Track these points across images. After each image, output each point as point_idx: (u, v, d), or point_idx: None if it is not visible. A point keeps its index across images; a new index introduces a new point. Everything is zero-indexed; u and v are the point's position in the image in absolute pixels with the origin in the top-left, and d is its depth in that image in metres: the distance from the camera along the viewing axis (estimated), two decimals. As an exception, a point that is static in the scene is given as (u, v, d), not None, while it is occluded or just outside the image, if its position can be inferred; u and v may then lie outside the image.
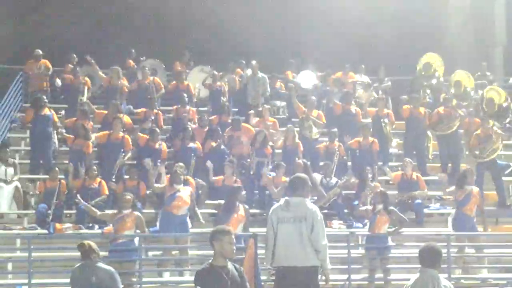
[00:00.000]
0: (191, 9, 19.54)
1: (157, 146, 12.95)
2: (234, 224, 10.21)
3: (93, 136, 13.21)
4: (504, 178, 13.71)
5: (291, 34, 19.70)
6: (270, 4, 19.75)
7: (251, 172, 12.79)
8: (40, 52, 16.01)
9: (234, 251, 5.98)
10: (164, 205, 11.12)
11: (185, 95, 14.63)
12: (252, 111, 14.93)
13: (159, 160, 12.34)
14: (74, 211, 12.24)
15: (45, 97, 14.04)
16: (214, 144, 13.09)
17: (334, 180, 12.71)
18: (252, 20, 19.02)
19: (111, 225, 10.91)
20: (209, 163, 12.51)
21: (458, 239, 11.18)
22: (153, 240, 11.22)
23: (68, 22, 18.57)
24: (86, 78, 15.41)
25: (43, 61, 15.95)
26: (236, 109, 15.27)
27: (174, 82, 15.77)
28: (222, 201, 10.98)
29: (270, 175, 12.59)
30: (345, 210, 12.51)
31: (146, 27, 19.31)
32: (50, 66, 16.05)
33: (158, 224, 11.27)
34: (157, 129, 13.32)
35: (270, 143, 13.49)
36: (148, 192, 12.27)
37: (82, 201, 11.11)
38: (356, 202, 12.20)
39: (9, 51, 17.67)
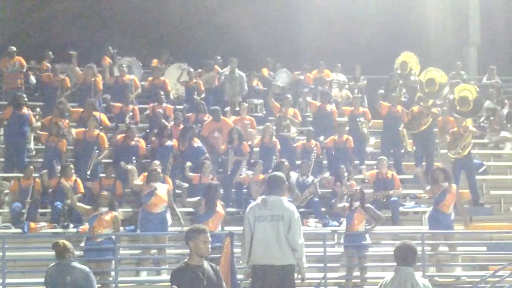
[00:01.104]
0: (169, 8, 19.48)
1: (133, 143, 12.88)
2: (215, 222, 10.22)
3: (73, 131, 13.10)
4: (478, 177, 13.86)
5: (267, 33, 19.72)
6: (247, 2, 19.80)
7: (228, 171, 12.77)
8: (14, 49, 15.83)
9: (209, 250, 5.98)
10: (142, 204, 11.06)
11: (161, 92, 14.58)
12: (227, 108, 14.93)
13: (134, 158, 12.27)
14: (49, 210, 12.13)
15: (24, 96, 13.87)
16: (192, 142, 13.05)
17: (310, 178, 12.75)
18: (230, 17, 19.05)
19: (86, 224, 10.85)
20: (188, 163, 12.46)
21: (433, 236, 11.26)
22: (132, 239, 11.15)
23: (44, 18, 18.38)
24: (66, 77, 15.27)
25: (17, 58, 15.78)
26: (214, 107, 15.23)
27: (150, 78, 15.71)
28: (198, 198, 10.91)
29: (246, 173, 12.60)
30: (322, 209, 12.56)
31: (128, 24, 19.20)
32: (24, 63, 15.89)
33: (139, 222, 11.17)
34: (133, 126, 13.24)
35: (249, 142, 13.49)
36: (126, 190, 12.18)
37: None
38: (333, 200, 12.26)
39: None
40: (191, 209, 12.08)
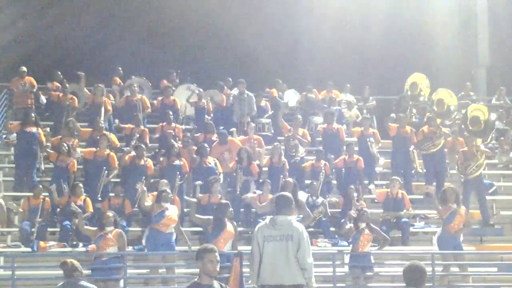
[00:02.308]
0: (188, 21, 19.57)
1: (142, 162, 12.92)
2: (223, 242, 10.20)
3: (78, 150, 13.15)
4: (488, 197, 13.80)
5: (275, 54, 19.81)
6: (266, 16, 19.89)
7: (237, 190, 12.77)
8: (25, 69, 15.97)
9: (217, 269, 5.96)
10: (152, 223, 11.05)
11: (170, 112, 14.64)
12: (233, 129, 14.95)
13: (143, 177, 12.31)
14: (58, 229, 12.15)
15: (33, 115, 13.96)
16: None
17: (320, 199, 12.73)
18: (237, 38, 19.15)
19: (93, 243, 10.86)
20: (198, 182, 12.46)
21: (443, 257, 11.19)
22: (140, 258, 11.15)
23: (54, 38, 18.54)
24: (74, 97, 15.37)
25: (27, 78, 15.91)
26: (222, 127, 15.29)
27: (159, 97, 15.77)
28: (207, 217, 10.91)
29: (255, 193, 12.60)
30: (332, 229, 12.51)
31: (136, 45, 19.34)
32: (35, 83, 16.02)
33: (144, 241, 11.18)
34: (142, 145, 13.28)
35: (257, 162, 13.50)
36: (134, 209, 12.18)
37: (76, 207, 11.13)
38: (342, 221, 12.22)
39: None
40: (199, 228, 12.09)
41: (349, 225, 11.27)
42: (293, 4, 20.26)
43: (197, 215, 11.02)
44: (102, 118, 14.31)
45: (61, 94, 15.26)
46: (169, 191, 11.24)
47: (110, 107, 14.95)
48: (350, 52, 19.86)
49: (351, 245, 11.20)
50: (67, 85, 15.49)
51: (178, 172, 12.49)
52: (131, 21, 19.39)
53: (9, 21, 18.78)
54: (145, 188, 11.48)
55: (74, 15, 19.31)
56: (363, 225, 10.78)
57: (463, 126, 14.49)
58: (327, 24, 19.57)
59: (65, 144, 12.98)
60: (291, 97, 16.87)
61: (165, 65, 17.99)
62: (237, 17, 19.21)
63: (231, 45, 19.28)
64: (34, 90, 16.00)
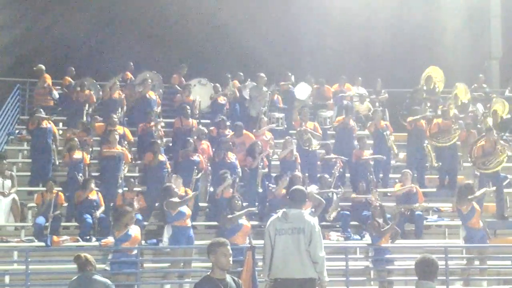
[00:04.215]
0: (190, 21, 19.59)
1: (162, 158, 12.92)
2: (242, 236, 10.22)
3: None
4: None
5: (289, 46, 19.77)
6: (269, 14, 19.84)
7: (259, 186, 12.79)
8: (43, 67, 15.99)
9: (230, 263, 5.97)
10: (172, 221, 10.91)
11: (187, 107, 14.64)
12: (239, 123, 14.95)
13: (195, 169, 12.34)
14: (72, 224, 12.21)
15: (41, 110, 14.01)
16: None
17: (332, 191, 12.69)
18: (248, 33, 19.11)
19: (108, 237, 10.88)
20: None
21: (467, 251, 11.20)
22: (156, 253, 11.19)
23: (65, 34, 18.58)
24: (91, 92, 15.42)
25: (45, 76, 15.95)
26: (238, 123, 15.22)
27: (179, 95, 15.72)
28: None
29: (270, 186, 12.64)
30: (352, 223, 12.48)
31: (146, 40, 19.35)
32: (50, 80, 16.07)
33: (166, 239, 11.11)
34: (157, 141, 13.29)
35: (273, 156, 13.51)
36: (156, 204, 12.17)
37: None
38: (365, 213, 12.16)
39: (5, 63, 17.71)
40: (214, 223, 12.12)
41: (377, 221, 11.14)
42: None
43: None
44: (118, 113, 14.35)
45: (79, 90, 15.30)
46: (174, 186, 11.21)
47: (125, 102, 14.98)
48: (359, 45, 19.76)
49: (366, 239, 11.18)
50: (84, 81, 15.54)
51: (195, 167, 12.50)
52: (131, 21, 19.38)
53: (19, 15, 18.90)
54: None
55: (78, 13, 19.33)
56: (380, 220, 10.77)
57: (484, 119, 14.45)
58: (335, 18, 19.47)
59: (76, 139, 13.03)
60: (302, 91, 16.81)
61: (166, 66, 17.96)
62: (240, 16, 19.17)
63: (234, 43, 19.20)
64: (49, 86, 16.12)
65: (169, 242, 10.97)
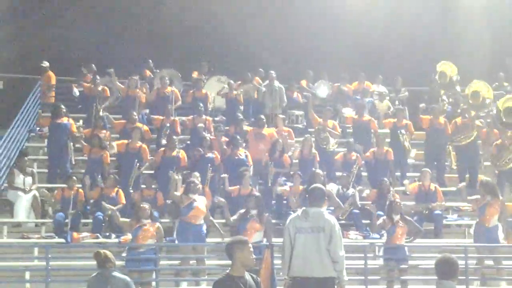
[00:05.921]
0: (207, 21, 19.62)
1: (174, 153, 12.96)
2: (249, 234, 10.24)
3: (114, 145, 13.27)
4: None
5: (306, 45, 19.70)
6: (283, 15, 19.80)
7: (269, 183, 12.76)
8: (47, 63, 16.20)
9: (254, 260, 6.00)
10: (181, 215, 11.10)
11: (201, 104, 14.66)
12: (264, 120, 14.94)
13: (174, 167, 12.34)
14: (91, 220, 12.29)
15: (62, 106, 14.13)
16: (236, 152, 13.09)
17: (351, 191, 12.65)
18: (266, 31, 19.07)
19: (128, 234, 10.95)
20: (224, 175, 12.50)
21: (477, 250, 11.06)
22: (171, 250, 11.22)
23: (84, 33, 18.66)
24: (105, 87, 15.51)
25: (49, 73, 16.17)
26: (253, 120, 15.28)
27: (191, 90, 15.80)
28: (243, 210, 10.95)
29: (286, 184, 12.59)
30: (364, 221, 12.42)
31: (165, 38, 19.39)
32: (53, 77, 16.27)
33: (174, 234, 11.25)
34: (173, 137, 13.32)
35: (289, 153, 13.48)
36: (168, 202, 12.25)
37: (107, 206, 11.24)
38: (379, 212, 12.12)
39: (26, 62, 17.83)
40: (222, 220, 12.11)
41: (381, 219, 11.13)
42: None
43: (232, 218, 10.98)
44: (136, 110, 14.42)
45: (92, 86, 15.40)
46: (197, 182, 11.25)
47: (143, 99, 15.05)
48: (378, 42, 19.65)
49: (385, 238, 11.13)
50: (97, 76, 15.63)
51: (209, 164, 12.53)
52: (131, 21, 19.43)
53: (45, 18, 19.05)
54: (179, 177, 11.46)
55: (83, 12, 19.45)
56: (397, 217, 10.69)
57: (498, 118, 14.28)
58: (355, 14, 19.38)
59: (101, 136, 13.10)
60: (322, 89, 16.76)
61: (195, 57, 18.00)
62: (244, 16, 19.15)
63: (261, 37, 19.18)
64: (54, 84, 16.28)
65: (176, 237, 11.06)
